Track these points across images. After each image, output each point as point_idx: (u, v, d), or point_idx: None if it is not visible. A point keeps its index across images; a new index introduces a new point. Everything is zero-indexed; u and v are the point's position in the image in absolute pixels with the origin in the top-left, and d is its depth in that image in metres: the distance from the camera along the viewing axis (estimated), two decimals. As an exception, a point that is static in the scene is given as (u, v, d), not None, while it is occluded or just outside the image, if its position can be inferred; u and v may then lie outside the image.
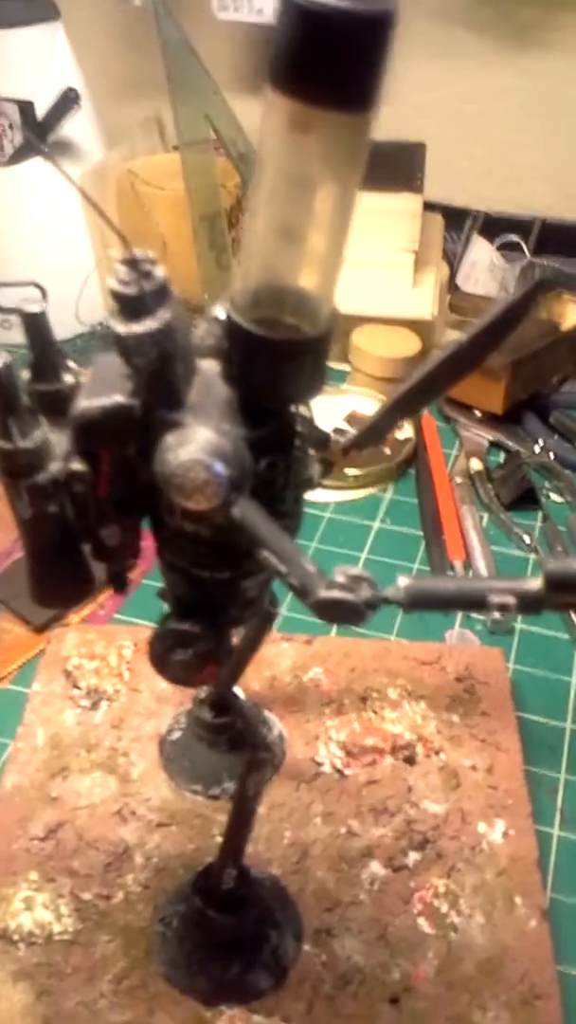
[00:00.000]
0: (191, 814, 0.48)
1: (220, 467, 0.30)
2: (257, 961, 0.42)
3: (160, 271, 0.30)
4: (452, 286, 1.00)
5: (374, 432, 0.40)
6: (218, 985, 0.41)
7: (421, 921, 0.44)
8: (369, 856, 0.47)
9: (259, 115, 0.26)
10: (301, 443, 0.35)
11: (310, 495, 0.74)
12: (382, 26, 0.22)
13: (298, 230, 0.28)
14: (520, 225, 1.04)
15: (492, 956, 0.43)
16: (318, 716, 0.53)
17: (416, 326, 0.86)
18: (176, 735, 0.52)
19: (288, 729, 0.53)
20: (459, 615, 0.63)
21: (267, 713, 0.53)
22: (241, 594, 0.37)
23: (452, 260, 1.04)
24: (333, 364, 0.90)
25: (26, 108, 0.89)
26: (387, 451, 0.77)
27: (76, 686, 0.55)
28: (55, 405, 0.34)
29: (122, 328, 0.29)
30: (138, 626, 0.60)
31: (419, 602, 0.30)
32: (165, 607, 0.38)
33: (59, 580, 0.37)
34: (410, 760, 0.51)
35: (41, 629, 0.60)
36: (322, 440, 0.41)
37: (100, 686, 0.55)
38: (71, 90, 0.90)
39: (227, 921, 0.41)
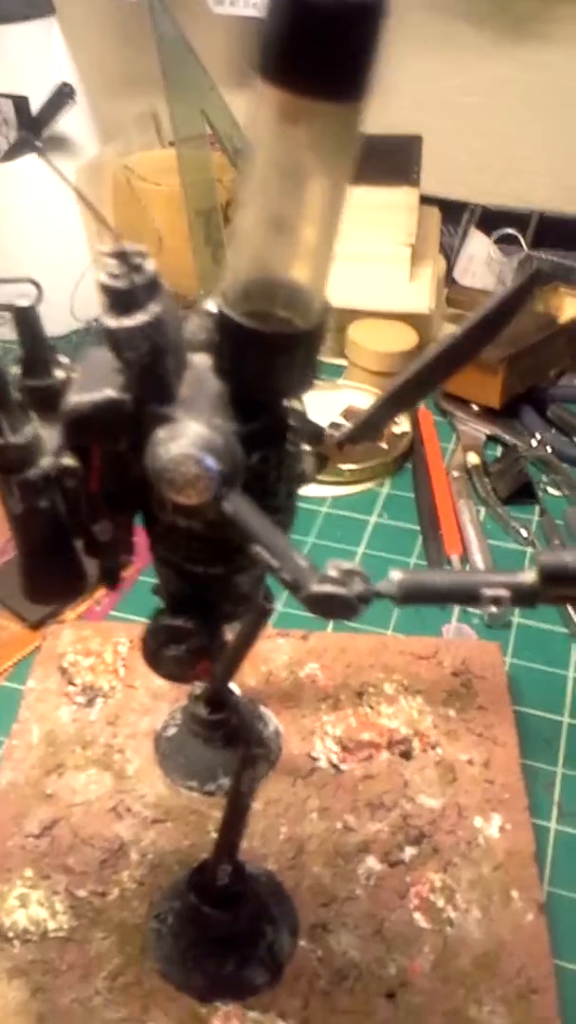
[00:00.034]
0: (186, 810, 0.48)
1: (211, 461, 0.29)
2: (253, 957, 0.42)
3: (150, 264, 0.29)
4: (449, 280, 1.00)
5: (369, 426, 0.40)
6: (213, 981, 0.41)
7: (417, 916, 0.44)
8: (365, 851, 0.46)
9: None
10: (294, 437, 0.35)
11: (307, 490, 0.74)
12: (373, 14, 0.22)
13: (289, 222, 0.27)
14: (518, 218, 1.04)
15: (488, 950, 0.43)
16: (314, 711, 0.53)
17: (413, 320, 0.86)
18: (172, 731, 0.52)
19: (284, 725, 0.53)
20: (456, 610, 0.63)
21: (263, 709, 0.53)
22: (234, 589, 0.37)
23: (449, 254, 1.03)
24: (329, 359, 0.90)
25: (21, 104, 0.88)
26: (384, 446, 0.76)
27: (71, 683, 0.54)
28: (46, 400, 0.34)
29: (112, 322, 0.29)
30: (134, 623, 0.60)
31: (412, 596, 0.30)
32: (160, 603, 0.38)
33: (51, 576, 0.37)
34: (406, 755, 0.51)
35: (37, 626, 0.59)
36: (316, 434, 0.41)
37: (96, 683, 0.55)
38: (66, 85, 0.90)
39: (222, 917, 0.41)
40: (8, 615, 0.60)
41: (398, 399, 0.39)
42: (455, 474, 0.74)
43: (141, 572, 0.62)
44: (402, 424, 0.79)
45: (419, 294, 0.88)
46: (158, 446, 0.30)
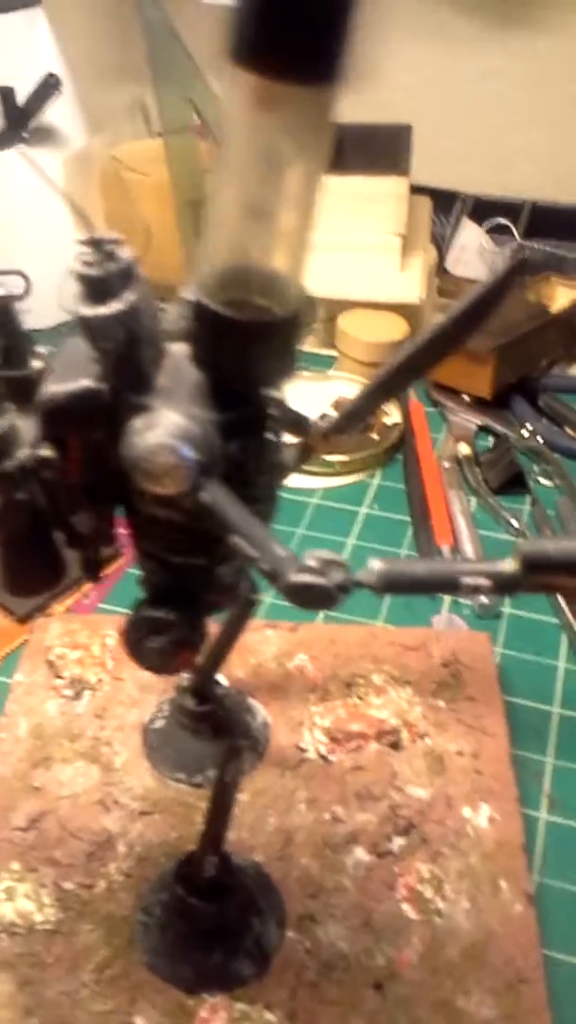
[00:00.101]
0: (174, 802, 0.48)
1: (188, 451, 0.29)
2: (240, 948, 0.41)
3: (125, 252, 0.29)
4: (441, 269, 1.00)
5: (356, 415, 0.40)
6: (200, 973, 0.41)
7: (405, 907, 0.44)
8: (353, 842, 0.46)
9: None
10: (274, 426, 0.34)
11: (297, 481, 0.73)
12: None
13: (265, 208, 0.27)
14: (510, 208, 1.03)
15: (477, 941, 0.43)
16: (303, 703, 0.53)
17: (404, 310, 0.86)
18: (159, 724, 0.52)
19: (273, 716, 0.52)
20: (447, 600, 0.62)
21: (251, 700, 0.53)
22: (217, 580, 0.36)
23: (441, 244, 1.03)
24: (320, 350, 0.89)
25: (6, 95, 0.88)
26: (375, 437, 0.76)
27: (59, 676, 0.54)
28: (23, 391, 0.34)
29: (87, 310, 0.29)
30: (122, 615, 0.59)
31: (391, 585, 0.30)
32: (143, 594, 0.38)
33: (30, 569, 0.37)
34: (395, 745, 0.51)
35: (25, 619, 0.59)
36: (300, 424, 0.41)
37: (83, 676, 0.54)
38: (52, 76, 0.89)
39: (209, 909, 0.41)
40: (-4, 609, 0.60)
41: (384, 388, 0.38)
42: (446, 465, 0.74)
43: (131, 564, 0.62)
44: (393, 415, 0.78)
45: (410, 284, 0.87)
46: (134, 436, 0.29)
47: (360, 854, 0.46)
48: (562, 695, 0.56)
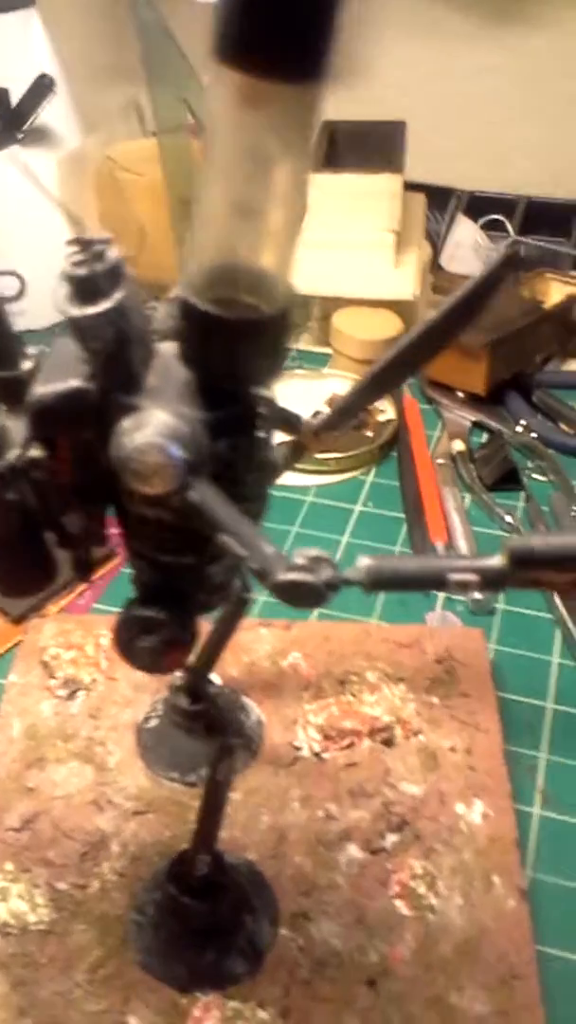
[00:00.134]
0: (168, 801, 0.48)
1: (176, 450, 0.29)
2: (233, 947, 0.42)
3: (113, 252, 0.29)
4: (436, 266, 1.00)
5: (347, 412, 0.40)
6: (193, 972, 0.41)
7: (398, 903, 0.44)
8: (347, 839, 0.46)
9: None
10: (263, 425, 0.34)
11: (291, 479, 0.73)
12: None
13: (252, 206, 0.27)
14: (505, 204, 1.03)
15: (470, 937, 0.43)
16: (296, 701, 0.53)
17: (398, 307, 0.85)
18: (153, 723, 0.52)
19: (266, 714, 0.53)
20: (440, 597, 0.62)
21: (245, 699, 0.53)
22: (208, 579, 0.36)
23: (436, 240, 1.03)
24: (314, 347, 0.89)
25: (0, 96, 0.88)
26: (369, 434, 0.76)
27: (53, 676, 0.54)
28: (13, 392, 0.34)
29: (76, 310, 0.29)
30: (116, 615, 0.59)
31: (379, 582, 0.30)
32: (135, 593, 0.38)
33: (21, 569, 0.37)
34: (388, 742, 0.51)
35: (19, 620, 0.59)
36: (291, 421, 0.41)
37: (77, 676, 0.54)
38: (45, 76, 0.89)
39: (201, 908, 0.41)
40: (-10, 610, 0.60)
41: (377, 384, 0.38)
42: (440, 461, 0.74)
43: (124, 565, 0.62)
44: (387, 412, 0.78)
45: (404, 281, 0.87)
46: (123, 436, 0.30)
47: (353, 851, 0.46)
48: (556, 690, 0.56)
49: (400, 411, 0.79)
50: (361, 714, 0.52)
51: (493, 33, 1.03)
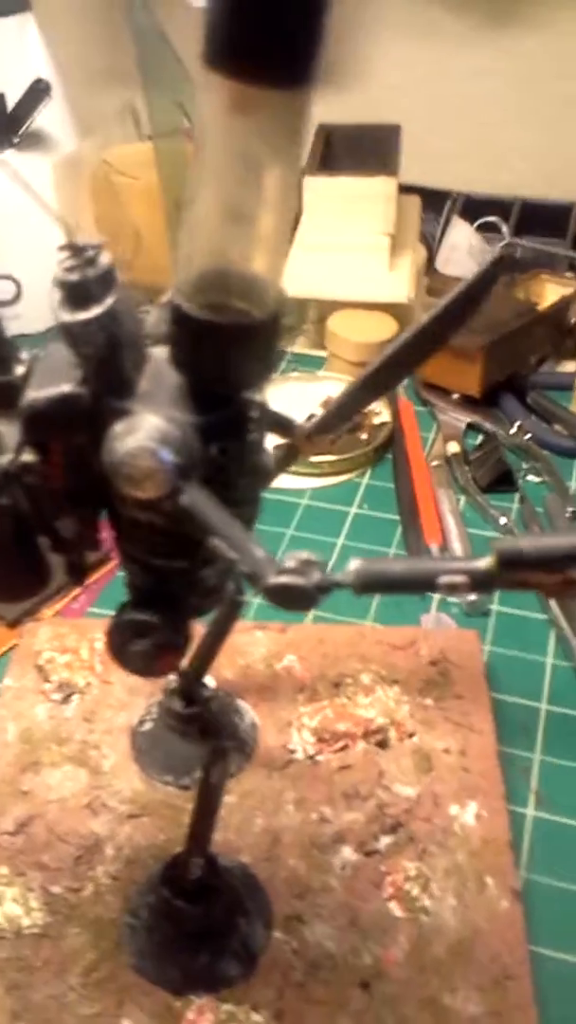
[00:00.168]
0: (162, 804, 0.48)
1: (167, 454, 0.29)
2: (226, 950, 0.42)
3: (105, 258, 0.29)
4: (431, 269, 1.00)
5: (341, 415, 0.40)
6: (187, 975, 0.41)
7: (392, 905, 0.44)
8: (341, 841, 0.46)
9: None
10: (255, 429, 0.34)
11: (287, 482, 0.73)
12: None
13: (242, 211, 0.27)
14: (500, 205, 1.03)
15: (463, 938, 0.43)
16: (291, 703, 0.53)
17: (393, 310, 0.86)
18: (148, 726, 0.52)
19: (261, 717, 0.53)
20: (435, 599, 0.62)
21: (240, 702, 0.53)
22: (201, 583, 0.37)
23: (431, 243, 1.03)
24: (310, 350, 0.90)
25: (-5, 100, 0.88)
26: (364, 436, 0.76)
27: (47, 680, 0.54)
28: (6, 397, 0.34)
29: (67, 316, 0.29)
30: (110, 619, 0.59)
31: (369, 585, 0.30)
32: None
33: (14, 574, 0.37)
34: (383, 744, 0.51)
35: (14, 624, 0.59)
36: (284, 425, 0.41)
37: (72, 679, 0.54)
38: (41, 81, 0.89)
39: (195, 911, 0.41)
40: (-15, 614, 0.60)
41: (370, 387, 0.39)
42: (435, 463, 0.74)
43: (119, 568, 0.62)
44: (382, 414, 0.78)
45: (398, 284, 0.87)
46: (115, 440, 0.30)
47: (347, 853, 0.46)
48: (550, 691, 0.56)
49: (395, 413, 0.79)
50: (355, 716, 0.52)
51: (488, 35, 1.03)
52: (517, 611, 0.62)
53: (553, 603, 0.61)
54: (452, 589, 0.29)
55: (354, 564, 0.30)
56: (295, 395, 0.80)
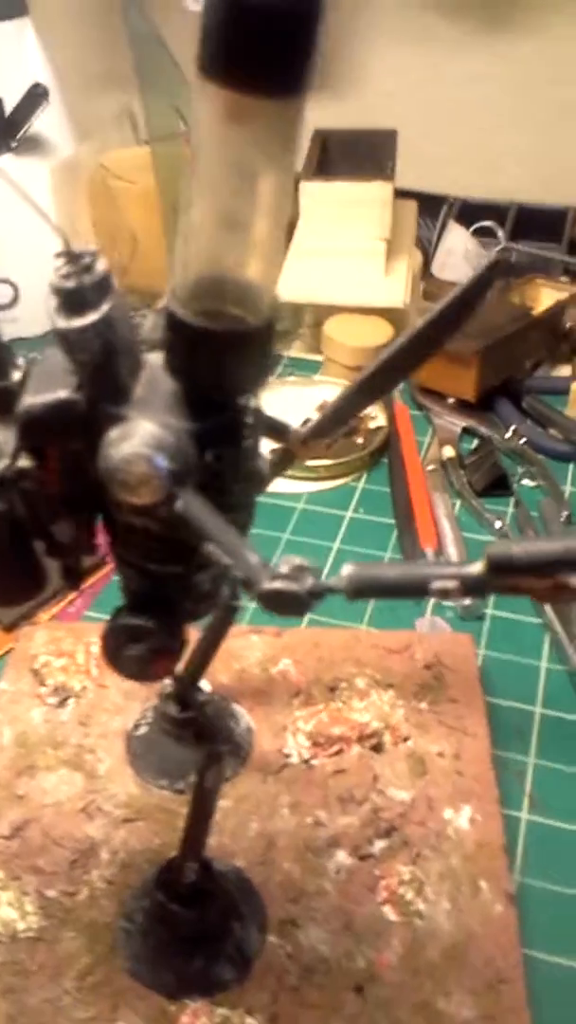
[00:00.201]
0: (157, 809, 0.48)
1: (162, 460, 0.29)
2: (221, 954, 0.42)
3: (101, 264, 0.30)
4: (427, 273, 1.00)
5: (337, 419, 0.40)
6: (182, 979, 0.41)
7: (386, 909, 0.44)
8: (335, 845, 0.47)
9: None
10: (250, 435, 0.35)
11: (283, 486, 0.73)
12: (310, 9, 0.22)
13: (238, 219, 0.27)
14: (496, 210, 1.04)
15: (457, 942, 0.43)
16: (286, 707, 0.53)
17: (389, 315, 0.86)
18: (143, 730, 0.52)
19: (256, 721, 0.53)
20: (430, 603, 0.63)
21: (235, 706, 0.53)
22: (195, 588, 0.37)
23: (427, 247, 1.03)
24: (306, 355, 0.90)
25: (-8, 105, 0.88)
26: (359, 441, 0.76)
27: (43, 684, 0.54)
28: (3, 402, 0.34)
29: (63, 323, 0.29)
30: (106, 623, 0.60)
31: (362, 590, 0.30)
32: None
33: (10, 578, 0.37)
34: (377, 748, 0.51)
35: (10, 628, 0.59)
36: (279, 430, 0.41)
37: (67, 683, 0.55)
38: (38, 85, 0.89)
39: (189, 915, 0.41)
40: (-19, 618, 0.60)
41: (365, 392, 0.39)
42: (431, 467, 0.74)
43: (115, 573, 0.62)
44: (378, 418, 0.79)
45: (394, 288, 0.88)
46: (110, 447, 0.30)
47: (342, 857, 0.46)
48: (544, 695, 0.56)
49: (391, 417, 0.79)
50: (350, 720, 0.52)
51: (483, 40, 1.04)
52: (512, 615, 0.62)
53: (547, 607, 0.61)
54: (444, 594, 0.29)
55: (347, 569, 0.30)
56: (291, 399, 0.80)
